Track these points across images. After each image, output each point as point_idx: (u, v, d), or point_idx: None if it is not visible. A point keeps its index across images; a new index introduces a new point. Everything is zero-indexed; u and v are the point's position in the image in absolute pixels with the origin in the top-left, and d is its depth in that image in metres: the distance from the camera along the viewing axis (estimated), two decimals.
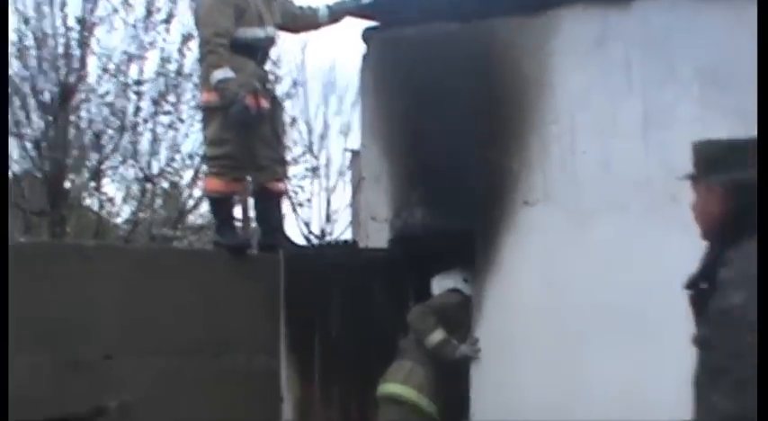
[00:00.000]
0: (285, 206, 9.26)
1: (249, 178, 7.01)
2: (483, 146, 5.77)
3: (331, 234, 17.42)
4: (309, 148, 17.48)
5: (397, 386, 6.18)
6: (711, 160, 3.17)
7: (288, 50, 20.28)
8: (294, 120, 16.44)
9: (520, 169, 5.60)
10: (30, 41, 13.13)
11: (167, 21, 13.69)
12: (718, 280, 2.92)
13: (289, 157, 13.87)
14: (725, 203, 3.08)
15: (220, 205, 6.84)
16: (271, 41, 6.85)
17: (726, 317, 2.84)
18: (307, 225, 17.40)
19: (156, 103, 13.86)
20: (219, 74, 6.34)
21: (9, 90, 11.84)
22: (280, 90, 14.26)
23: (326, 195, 17.81)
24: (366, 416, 6.38)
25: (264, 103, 6.59)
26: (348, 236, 15.98)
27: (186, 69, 13.76)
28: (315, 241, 16.53)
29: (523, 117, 5.61)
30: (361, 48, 6.69)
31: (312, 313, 6.41)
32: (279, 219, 7.04)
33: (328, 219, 17.80)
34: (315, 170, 17.50)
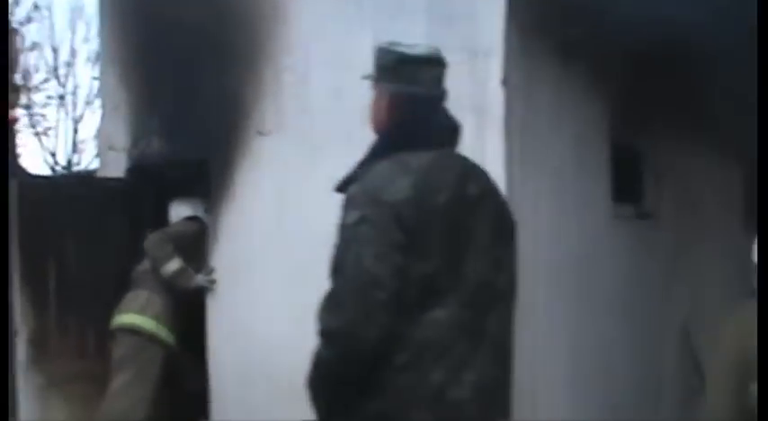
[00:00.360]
0: (24, 134, 8.98)
1: None
2: (217, 76, 5.76)
3: (78, 164, 17.02)
4: (55, 75, 16.96)
5: (133, 316, 6.13)
6: (385, 67, 3.15)
7: None
8: (36, 46, 15.89)
9: (253, 99, 5.63)
10: None
11: None
12: (345, 196, 2.92)
13: (29, 84, 13.39)
14: (389, 112, 3.10)
15: None
16: None
17: (339, 232, 2.86)
18: (52, 155, 16.93)
19: None
20: None
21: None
22: (18, 13, 13.72)
23: (73, 124, 17.36)
24: (103, 346, 6.33)
25: None
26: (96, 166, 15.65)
27: None
28: (59, 171, 16.12)
29: (257, 47, 5.63)
30: None
31: (47, 243, 6.29)
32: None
33: (75, 148, 17.36)
34: (61, 98, 17.01)
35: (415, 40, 4.95)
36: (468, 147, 4.54)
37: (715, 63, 6.24)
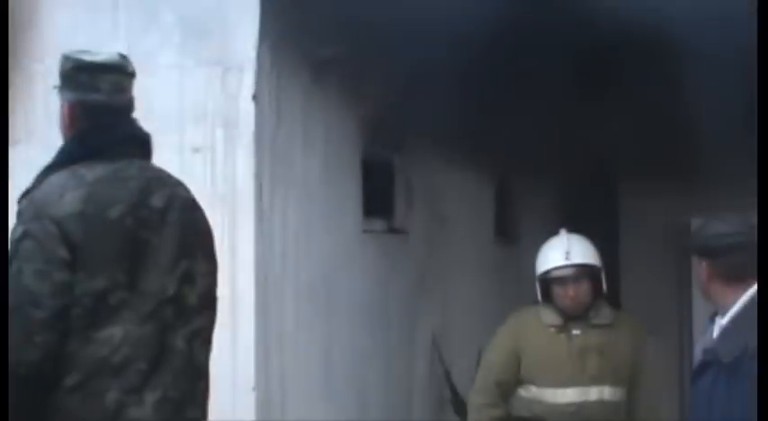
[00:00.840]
0: None
1: None
2: None
3: None
4: None
5: None
6: (65, 74, 3.02)
7: None
8: None
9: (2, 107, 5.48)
10: None
11: None
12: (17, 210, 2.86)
13: None
14: (70, 121, 2.98)
15: None
16: None
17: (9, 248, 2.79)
18: None
19: None
20: None
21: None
22: None
23: None
24: None
25: None
26: None
27: None
28: None
29: (8, 54, 5.48)
30: None
31: None
32: None
33: None
34: None
35: (168, 53, 4.99)
36: (219, 160, 4.64)
37: (470, 83, 6.48)
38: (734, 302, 3.34)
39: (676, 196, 9.81)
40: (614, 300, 9.96)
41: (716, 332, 3.39)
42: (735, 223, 3.47)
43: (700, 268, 3.46)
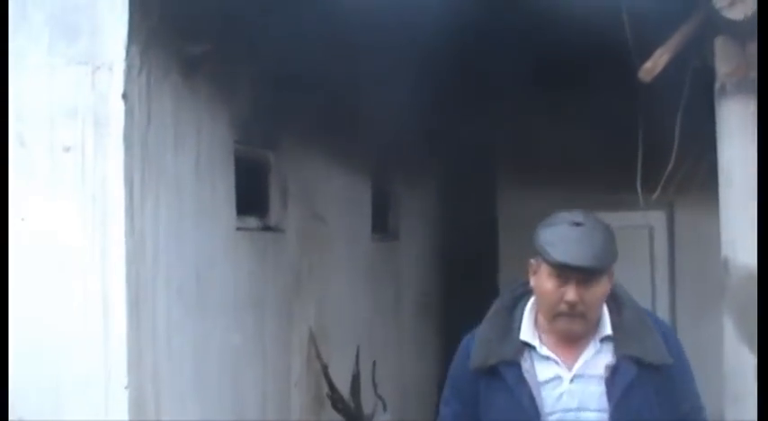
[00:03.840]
0: None
1: None
2: None
3: None
4: None
5: None
6: None
7: None
8: None
9: None
10: None
11: None
12: None
13: None
14: None
15: None
16: None
17: None
18: None
19: None
20: None
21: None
22: None
23: None
24: None
25: None
26: None
27: None
28: None
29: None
30: None
31: None
32: None
33: None
34: None
35: (38, 52, 4.95)
36: (89, 159, 4.62)
37: (345, 78, 6.55)
38: None
39: (555, 189, 10.03)
40: (494, 290, 10.19)
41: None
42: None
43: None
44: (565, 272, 3.23)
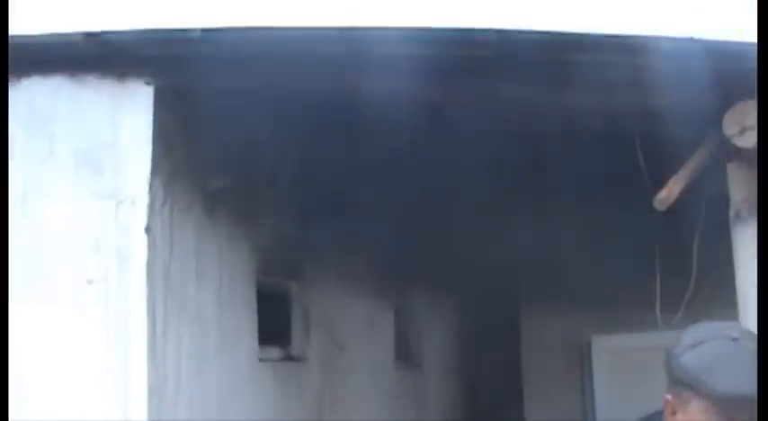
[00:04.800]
0: None
1: None
2: None
3: None
4: None
5: None
6: None
7: None
8: None
9: None
10: None
11: None
12: None
13: None
14: None
15: None
16: None
17: None
18: None
19: None
20: None
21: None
22: None
23: None
24: None
25: None
26: None
27: None
28: None
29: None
30: None
31: None
32: None
33: None
34: None
35: (64, 186, 5.07)
36: (112, 292, 4.68)
37: (364, 216, 6.64)
38: None
39: (576, 314, 10.02)
40: (519, 416, 10.10)
41: None
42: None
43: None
44: (732, 407, 2.33)
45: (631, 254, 6.88)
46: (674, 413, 2.46)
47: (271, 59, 4.60)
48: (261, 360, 5.80)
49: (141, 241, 4.65)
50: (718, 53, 4.15)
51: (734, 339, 2.41)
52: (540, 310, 10.12)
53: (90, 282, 4.71)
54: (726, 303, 4.89)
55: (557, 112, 4.86)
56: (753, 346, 2.37)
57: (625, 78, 4.41)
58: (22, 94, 5.51)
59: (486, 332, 10.06)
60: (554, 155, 5.95)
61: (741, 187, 4.51)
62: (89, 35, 4.67)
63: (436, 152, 5.84)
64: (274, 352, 6.11)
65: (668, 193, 4.48)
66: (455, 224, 7.85)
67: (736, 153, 4.44)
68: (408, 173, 6.25)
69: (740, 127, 4.33)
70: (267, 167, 5.66)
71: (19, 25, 4.90)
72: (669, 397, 2.49)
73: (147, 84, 4.82)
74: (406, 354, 8.70)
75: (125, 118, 4.87)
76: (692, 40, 4.11)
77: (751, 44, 3.62)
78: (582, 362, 10.23)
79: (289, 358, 6.28)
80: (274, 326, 6.10)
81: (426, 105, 5.04)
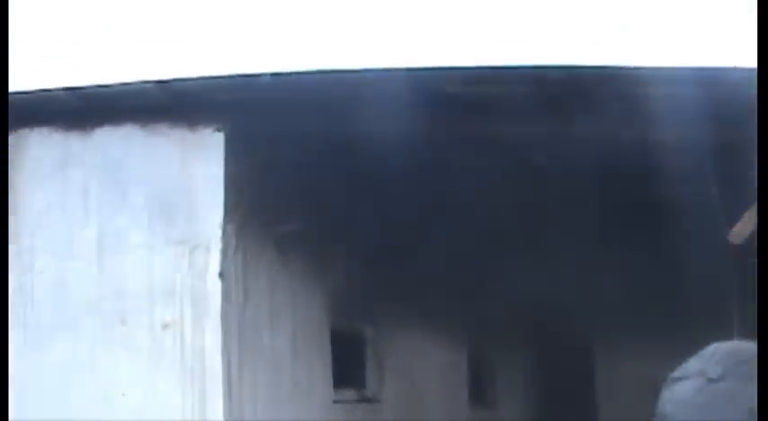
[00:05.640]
0: None
1: None
2: None
3: None
4: None
5: None
6: None
7: None
8: None
9: None
10: None
11: None
12: None
13: None
14: None
15: None
16: None
17: None
18: None
19: None
20: None
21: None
22: None
23: None
24: None
25: None
26: None
27: None
28: None
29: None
30: None
31: None
32: None
33: None
34: None
35: (138, 233, 5.13)
36: (188, 336, 4.71)
37: (435, 259, 6.63)
38: None
39: (652, 357, 9.88)
40: None
41: None
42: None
43: None
44: None
45: (708, 291, 6.78)
46: None
47: (341, 102, 4.62)
48: (335, 402, 5.79)
49: (215, 286, 4.69)
50: None
51: (711, 380, 2.07)
52: (616, 352, 10.00)
53: (165, 326, 4.75)
54: None
55: (630, 147, 4.83)
56: (737, 386, 2.02)
57: (698, 110, 4.36)
58: (95, 143, 5.61)
59: (561, 374, 9.95)
60: (627, 191, 5.90)
61: None
62: (159, 83, 4.73)
63: (510, 193, 5.82)
64: (349, 394, 6.10)
65: (743, 227, 4.42)
66: (532, 267, 7.78)
67: None
68: (481, 215, 6.23)
69: None
70: (339, 211, 5.68)
71: (91, 75, 5.00)
72: None
73: (218, 130, 4.87)
74: (480, 395, 8.63)
75: (197, 165, 4.92)
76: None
77: None
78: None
79: (364, 399, 6.27)
80: (348, 367, 6.10)
81: (500, 145, 5.03)
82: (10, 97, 4.67)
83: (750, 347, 2.11)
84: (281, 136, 4.98)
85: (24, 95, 4.99)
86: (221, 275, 4.69)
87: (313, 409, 5.51)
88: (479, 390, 8.68)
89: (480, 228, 6.63)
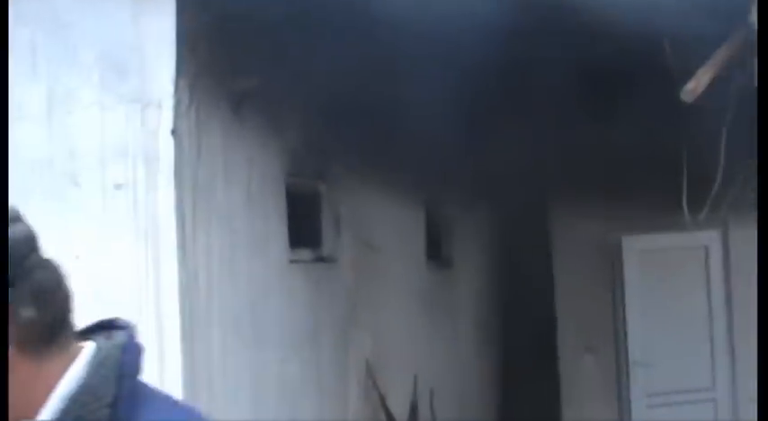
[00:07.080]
0: None
1: None
2: None
3: None
4: None
5: None
6: None
7: None
8: None
9: None
10: None
11: None
12: None
13: None
14: None
15: None
16: None
17: None
18: None
19: None
20: None
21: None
22: None
23: None
24: None
25: None
26: None
27: None
28: None
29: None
30: None
31: None
32: None
33: None
34: None
35: (89, 91, 5.03)
36: (141, 196, 4.67)
37: (402, 111, 6.57)
38: None
39: (607, 210, 9.97)
40: (551, 316, 10.13)
41: None
42: None
43: None
44: None
45: (663, 150, 6.79)
46: None
47: None
48: (292, 261, 5.80)
49: (168, 144, 4.62)
50: None
51: None
52: (569, 212, 10.08)
53: (118, 186, 4.69)
54: (752, 205, 4.83)
55: (585, 8, 4.75)
56: None
57: None
58: (44, 0, 5.46)
59: (517, 233, 10.04)
60: (578, 50, 5.84)
61: None
62: None
63: (471, 53, 5.74)
64: (305, 253, 6.12)
65: (696, 84, 4.40)
66: (485, 123, 7.75)
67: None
68: (440, 73, 6.16)
69: None
70: (293, 66, 5.59)
71: None
72: None
73: None
74: (437, 255, 8.70)
75: (148, 21, 4.79)
76: None
77: None
78: (612, 261, 10.25)
79: (320, 259, 6.29)
80: (304, 227, 6.09)
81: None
82: None
83: None
84: None
85: None
86: (173, 133, 4.62)
87: (269, 268, 5.52)
88: (437, 249, 8.74)
89: (440, 84, 6.56)
